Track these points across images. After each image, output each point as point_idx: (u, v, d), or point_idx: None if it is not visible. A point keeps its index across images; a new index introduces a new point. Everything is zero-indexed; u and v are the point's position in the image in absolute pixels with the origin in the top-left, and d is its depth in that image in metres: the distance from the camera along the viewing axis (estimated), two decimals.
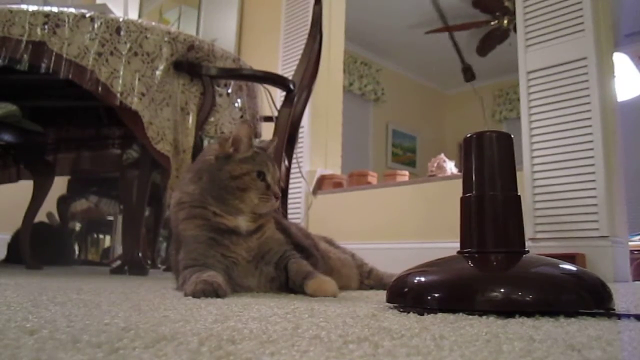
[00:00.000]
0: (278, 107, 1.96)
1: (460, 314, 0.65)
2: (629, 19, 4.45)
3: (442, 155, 3.09)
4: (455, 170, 3.01)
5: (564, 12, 2.19)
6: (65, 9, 1.66)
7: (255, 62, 2.50)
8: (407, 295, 0.76)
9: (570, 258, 1.89)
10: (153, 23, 1.78)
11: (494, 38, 5.24)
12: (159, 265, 2.69)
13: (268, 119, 2.16)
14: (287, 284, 1.04)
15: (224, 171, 1.03)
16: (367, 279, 1.34)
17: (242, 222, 1.04)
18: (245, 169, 1.03)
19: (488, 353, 0.39)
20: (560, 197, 2.09)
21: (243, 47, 3.84)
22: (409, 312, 0.68)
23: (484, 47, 5.40)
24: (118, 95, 1.62)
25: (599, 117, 2.03)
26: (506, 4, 4.78)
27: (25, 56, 1.60)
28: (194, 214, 1.04)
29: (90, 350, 0.37)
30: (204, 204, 1.04)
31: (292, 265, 1.04)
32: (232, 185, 1.02)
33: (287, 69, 3.23)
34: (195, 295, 0.86)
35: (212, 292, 0.87)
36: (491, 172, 0.78)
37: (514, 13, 2.75)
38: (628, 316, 0.65)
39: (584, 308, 0.67)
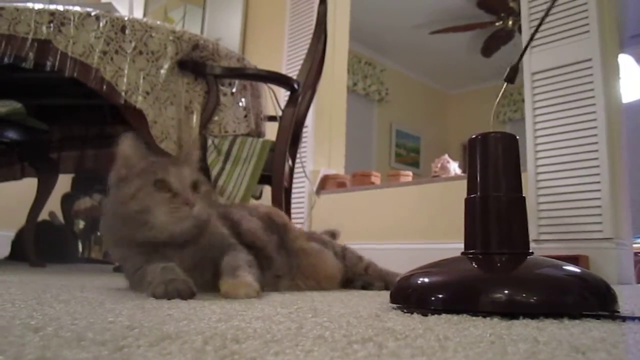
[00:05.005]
0: (282, 107, 1.96)
1: (464, 315, 0.65)
2: (634, 20, 4.43)
3: (446, 156, 3.08)
4: (458, 171, 3.00)
5: (569, 13, 2.18)
6: (70, 8, 1.67)
7: (260, 61, 2.49)
8: (411, 295, 0.75)
9: (573, 260, 1.89)
10: (158, 22, 1.78)
11: (499, 39, 5.23)
12: None
13: (272, 118, 2.16)
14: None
15: (120, 197, 0.88)
16: (363, 275, 1.29)
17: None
18: (137, 185, 0.87)
19: (492, 354, 0.39)
20: (564, 198, 2.08)
21: (247, 47, 3.84)
22: (412, 313, 0.68)
23: (489, 48, 5.40)
24: (122, 93, 1.62)
25: (603, 119, 2.02)
26: (511, 4, 4.77)
27: (31, 54, 1.60)
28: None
29: (94, 348, 0.37)
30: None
31: (225, 258, 0.92)
32: (131, 210, 0.86)
33: (292, 69, 3.23)
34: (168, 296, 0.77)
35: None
36: (496, 174, 0.78)
37: (518, 14, 2.74)
38: (633, 318, 0.65)
39: (588, 310, 0.67)
